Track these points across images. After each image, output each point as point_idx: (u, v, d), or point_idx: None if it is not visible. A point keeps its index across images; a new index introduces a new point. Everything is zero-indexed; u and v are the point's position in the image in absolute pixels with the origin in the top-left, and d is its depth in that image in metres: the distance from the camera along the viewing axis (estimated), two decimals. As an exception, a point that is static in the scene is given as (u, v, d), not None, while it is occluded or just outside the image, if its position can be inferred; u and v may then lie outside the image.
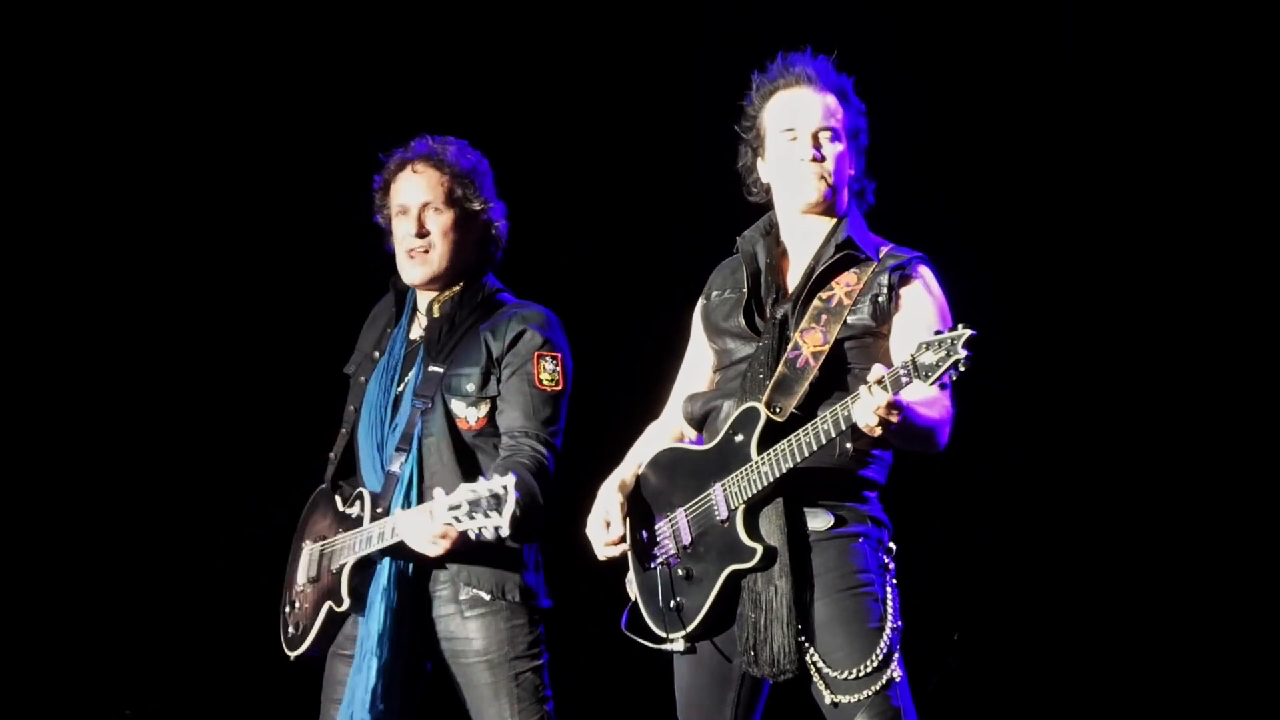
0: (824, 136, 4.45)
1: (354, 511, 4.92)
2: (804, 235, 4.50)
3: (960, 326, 3.99)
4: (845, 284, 4.39)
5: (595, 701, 5.95)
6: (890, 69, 4.56)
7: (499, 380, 4.95)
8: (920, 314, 4.34)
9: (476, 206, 5.02)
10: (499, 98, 6.79)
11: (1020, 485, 6.48)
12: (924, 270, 4.42)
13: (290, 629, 5.00)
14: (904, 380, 4.01)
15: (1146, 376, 6.39)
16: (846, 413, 4.11)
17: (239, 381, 7.04)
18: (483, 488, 4.56)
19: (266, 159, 7.02)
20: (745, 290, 4.49)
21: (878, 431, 4.06)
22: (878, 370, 4.04)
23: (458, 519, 4.59)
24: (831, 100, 4.46)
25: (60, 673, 6.94)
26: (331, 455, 5.09)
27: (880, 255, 4.42)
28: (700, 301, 4.65)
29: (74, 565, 6.97)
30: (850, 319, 4.34)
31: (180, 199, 7.06)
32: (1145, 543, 6.38)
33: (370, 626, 4.81)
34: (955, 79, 6.46)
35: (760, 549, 4.26)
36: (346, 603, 4.86)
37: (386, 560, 4.83)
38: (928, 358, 3.97)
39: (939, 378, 3.97)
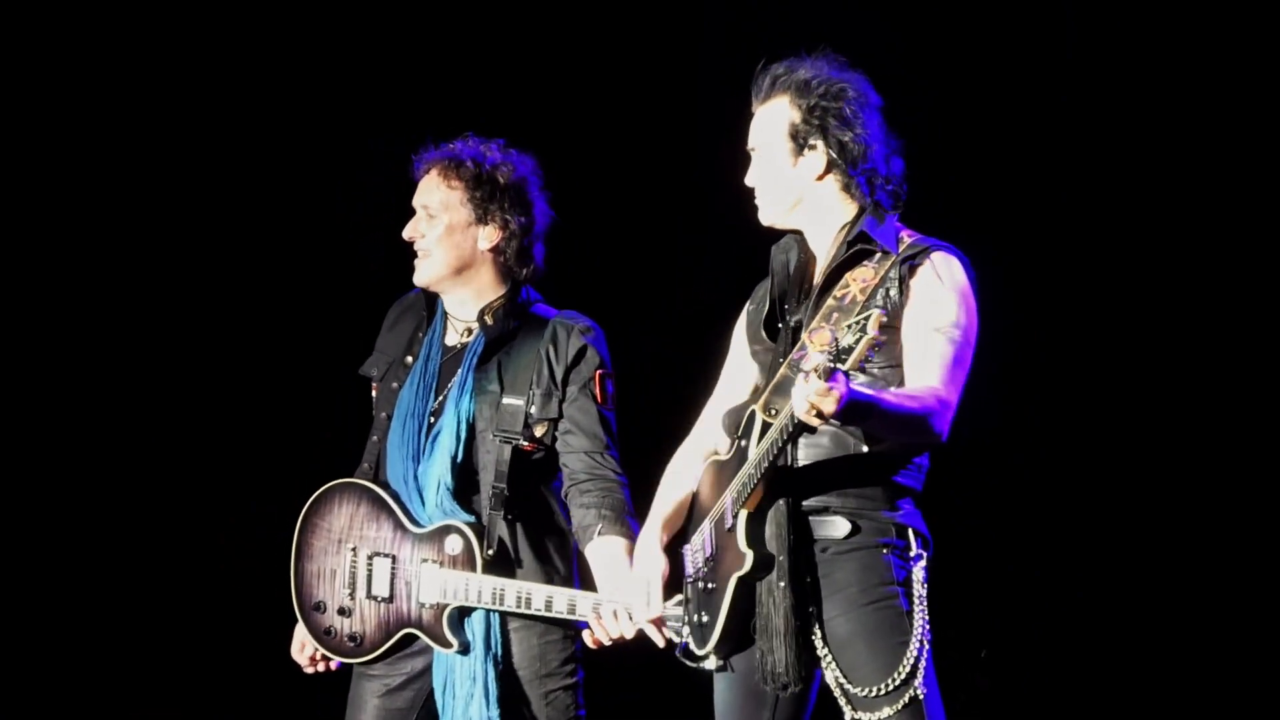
0: (753, 155, 4.37)
1: (452, 550, 4.84)
2: (823, 236, 4.35)
3: (872, 306, 3.91)
4: (861, 280, 4.22)
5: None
6: (890, 69, 4.49)
7: (561, 401, 4.91)
8: (931, 303, 4.16)
9: (472, 216, 4.95)
10: (499, 98, 6.78)
11: (1020, 485, 6.47)
12: (938, 256, 4.22)
13: (348, 641, 4.90)
14: (829, 365, 3.80)
15: (1146, 376, 6.38)
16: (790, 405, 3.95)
17: (238, 382, 7.03)
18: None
19: (266, 159, 7.01)
20: (770, 300, 4.36)
21: (815, 421, 3.86)
22: (813, 358, 3.84)
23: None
24: (771, 108, 4.34)
25: (60, 673, 6.93)
26: (366, 465, 5.01)
27: (901, 249, 4.25)
28: (741, 315, 4.53)
29: (74, 566, 6.96)
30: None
31: (180, 199, 7.05)
32: (1145, 543, 6.38)
33: (474, 668, 4.81)
34: (955, 79, 6.44)
35: (751, 554, 4.13)
36: (455, 646, 4.83)
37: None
38: (848, 339, 3.81)
39: (855, 360, 3.79)
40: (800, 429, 4.01)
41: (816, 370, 3.81)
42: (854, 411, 3.87)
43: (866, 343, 3.79)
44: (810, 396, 3.81)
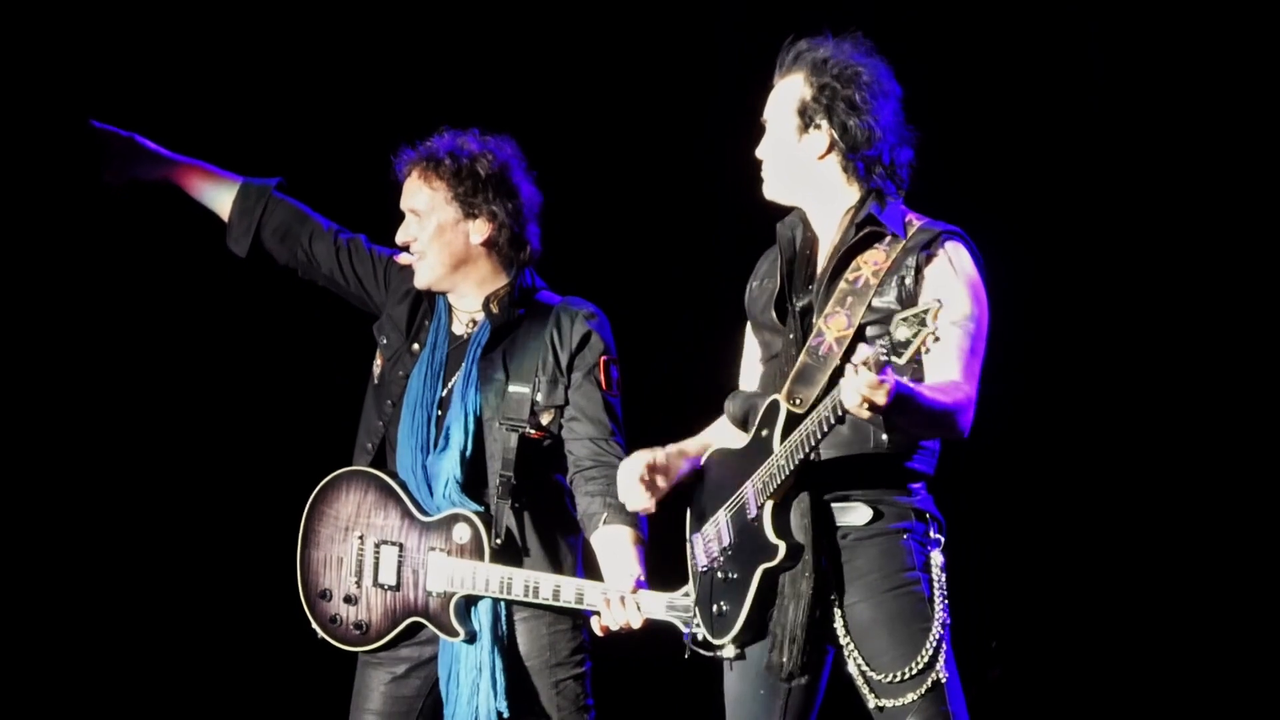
0: (767, 126, 4.38)
1: (460, 539, 4.83)
2: (828, 218, 4.34)
3: (933, 299, 3.88)
4: (872, 263, 4.22)
5: (635, 712, 5.90)
6: (907, 69, 4.49)
7: (567, 387, 4.90)
8: (945, 293, 4.13)
9: (459, 213, 4.95)
10: (499, 96, 6.73)
11: (1020, 485, 6.45)
12: (952, 246, 4.22)
13: (353, 629, 4.89)
14: (883, 358, 3.84)
15: (1151, 367, 6.38)
16: (841, 397, 3.94)
17: (239, 380, 6.99)
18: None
19: (266, 157, 6.96)
20: (779, 280, 4.35)
21: (865, 414, 3.89)
22: (863, 351, 3.87)
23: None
24: (787, 82, 4.34)
25: (59, 674, 6.88)
26: (369, 445, 5.00)
27: (910, 232, 4.25)
28: (746, 292, 4.52)
29: (73, 565, 6.91)
30: (875, 301, 4.18)
31: (180, 198, 7.01)
32: (1145, 542, 6.37)
33: (481, 657, 4.80)
34: (966, 78, 6.44)
35: (783, 545, 4.13)
36: (461, 635, 4.81)
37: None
38: (902, 333, 3.82)
39: (912, 354, 3.81)
40: (841, 421, 4.01)
41: (867, 363, 3.84)
42: (898, 405, 3.89)
43: (926, 336, 3.80)
44: (862, 389, 3.83)
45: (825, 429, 4.03)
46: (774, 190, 4.39)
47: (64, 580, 6.86)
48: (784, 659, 4.13)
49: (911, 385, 3.92)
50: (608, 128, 6.83)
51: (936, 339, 3.81)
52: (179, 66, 6.82)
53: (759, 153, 4.39)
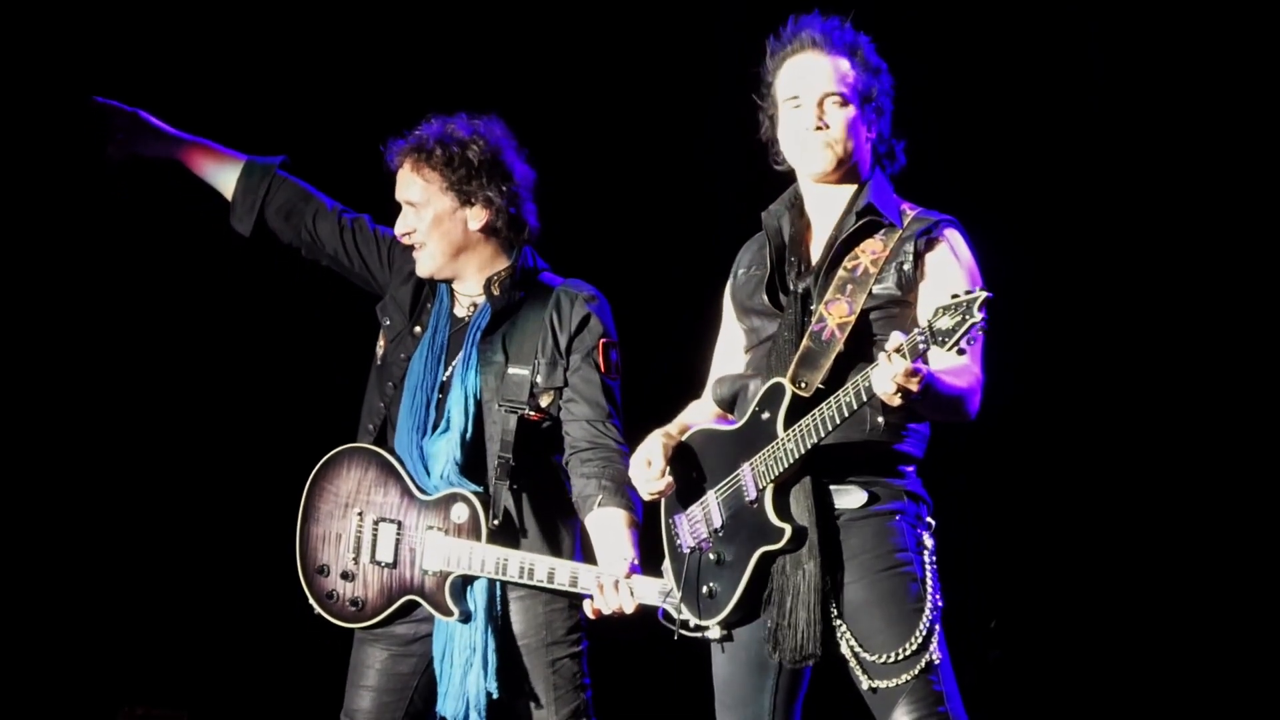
0: (830, 102, 4.30)
1: (458, 518, 4.83)
2: (826, 205, 4.35)
3: (977, 289, 3.88)
4: (871, 252, 4.25)
5: (631, 691, 5.89)
6: (907, 69, 4.51)
7: (566, 370, 4.90)
8: (946, 280, 4.16)
9: (456, 201, 4.94)
10: (501, 96, 6.72)
11: (1020, 468, 6.44)
12: (950, 233, 4.26)
13: (349, 606, 4.89)
14: (921, 346, 3.88)
15: (1142, 365, 6.38)
16: (867, 383, 3.98)
17: (238, 377, 6.98)
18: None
19: (266, 139, 6.96)
20: (769, 266, 4.36)
21: (897, 400, 3.92)
22: (896, 338, 3.91)
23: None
24: (841, 63, 4.31)
25: (58, 671, 6.87)
26: (370, 427, 5.00)
27: (906, 221, 4.28)
28: (729, 280, 4.52)
29: (72, 562, 6.91)
30: (876, 289, 4.21)
31: (179, 196, 7.00)
32: (1143, 526, 6.37)
33: (475, 637, 4.80)
34: (965, 78, 6.45)
35: (789, 529, 4.14)
36: (455, 615, 4.80)
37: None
38: (944, 322, 3.85)
39: (956, 343, 3.85)
40: (865, 405, 4.04)
41: (901, 350, 3.88)
42: (923, 391, 3.93)
43: (971, 325, 3.83)
44: (898, 377, 3.88)
45: (846, 413, 4.06)
46: (834, 165, 4.32)
47: (68, 559, 6.87)
48: (799, 642, 4.13)
49: (935, 372, 3.96)
50: (608, 128, 6.85)
51: (984, 329, 3.85)
52: (177, 46, 6.83)
53: (833, 120, 4.30)
